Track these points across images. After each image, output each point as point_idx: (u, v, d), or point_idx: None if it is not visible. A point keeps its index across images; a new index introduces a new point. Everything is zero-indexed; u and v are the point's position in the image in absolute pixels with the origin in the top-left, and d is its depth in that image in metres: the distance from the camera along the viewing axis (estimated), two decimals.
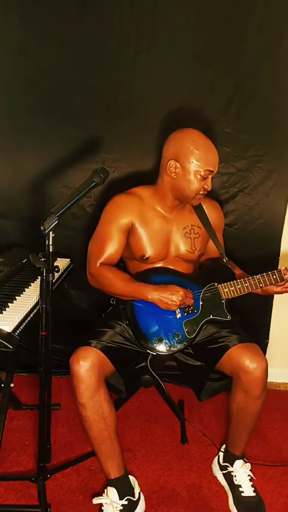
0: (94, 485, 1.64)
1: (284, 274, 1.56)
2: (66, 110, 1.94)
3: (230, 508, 1.56)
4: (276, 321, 2.19)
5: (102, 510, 1.49)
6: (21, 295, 1.55)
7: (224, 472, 1.65)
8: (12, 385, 1.69)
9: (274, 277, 1.56)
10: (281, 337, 2.22)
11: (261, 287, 1.58)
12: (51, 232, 1.23)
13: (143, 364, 1.65)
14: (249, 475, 1.61)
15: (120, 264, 1.72)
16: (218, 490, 1.64)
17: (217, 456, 1.73)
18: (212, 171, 1.54)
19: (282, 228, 2.06)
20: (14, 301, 1.49)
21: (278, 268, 1.58)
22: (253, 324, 1.94)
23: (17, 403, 1.99)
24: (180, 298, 1.51)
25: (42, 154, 1.99)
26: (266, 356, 1.56)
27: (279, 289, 1.59)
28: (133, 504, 1.50)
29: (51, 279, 1.27)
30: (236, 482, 1.59)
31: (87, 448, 1.75)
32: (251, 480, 1.60)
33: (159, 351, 1.56)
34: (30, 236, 2.06)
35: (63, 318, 2.12)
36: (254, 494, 1.57)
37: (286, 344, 2.24)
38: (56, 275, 1.34)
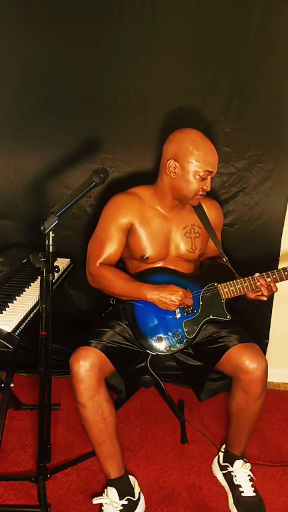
0: (94, 485, 1.64)
1: (257, 281, 1.54)
2: (66, 110, 1.94)
3: (230, 508, 1.56)
4: (276, 321, 2.19)
5: (102, 510, 1.49)
6: (21, 295, 1.55)
7: (224, 472, 1.65)
8: (12, 385, 1.69)
9: (274, 276, 1.56)
10: (281, 337, 2.22)
11: None
12: (51, 232, 1.23)
13: (143, 364, 1.65)
14: (249, 475, 1.61)
15: (120, 264, 1.72)
16: (218, 490, 1.64)
17: (217, 456, 1.73)
18: (211, 172, 1.54)
19: (282, 228, 2.06)
20: (14, 301, 1.49)
21: (278, 268, 1.58)
22: (253, 324, 1.94)
23: (17, 403, 1.99)
24: (179, 298, 1.51)
25: (42, 154, 1.99)
26: (266, 356, 1.56)
27: (253, 295, 1.58)
28: (133, 504, 1.50)
29: (51, 279, 1.27)
30: (236, 482, 1.59)
31: (87, 448, 1.75)
32: (251, 480, 1.60)
33: (159, 351, 1.56)
34: (30, 236, 2.06)
35: (63, 318, 2.12)
36: (254, 494, 1.57)
37: (286, 344, 2.24)
38: (56, 275, 1.33)
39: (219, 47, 1.84)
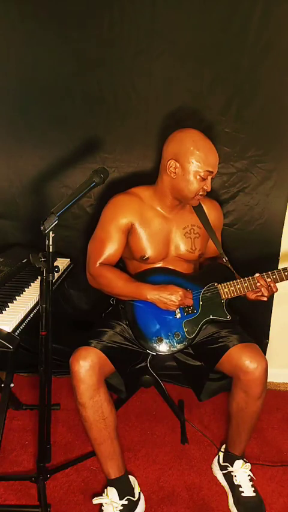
0: (94, 485, 1.64)
1: (257, 282, 1.54)
2: (67, 110, 1.94)
3: (230, 508, 1.56)
4: (276, 321, 2.19)
5: (102, 510, 1.50)
6: (21, 295, 1.55)
7: (224, 472, 1.65)
8: (12, 385, 1.69)
9: (274, 277, 1.56)
10: (281, 337, 2.22)
11: None
12: (51, 232, 1.23)
13: (143, 364, 1.65)
14: (249, 475, 1.61)
15: (120, 264, 1.72)
16: (218, 490, 1.64)
17: (217, 456, 1.73)
18: (212, 172, 1.54)
19: (282, 228, 2.06)
20: (14, 301, 1.49)
21: (278, 268, 1.58)
22: (253, 324, 1.94)
23: (17, 403, 1.99)
24: (179, 298, 1.51)
25: (42, 154, 1.99)
26: (266, 356, 1.56)
27: (253, 296, 1.57)
28: (133, 504, 1.50)
29: (51, 279, 1.27)
30: (236, 482, 1.59)
31: (87, 448, 1.75)
32: (251, 480, 1.60)
33: (159, 351, 1.56)
34: (30, 236, 2.06)
35: (63, 318, 2.13)
36: (254, 494, 1.57)
37: (286, 344, 2.24)
38: (56, 275, 1.34)
39: (219, 47, 1.84)
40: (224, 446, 1.71)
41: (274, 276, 1.55)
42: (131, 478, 1.57)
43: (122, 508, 1.47)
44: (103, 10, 1.80)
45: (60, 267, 1.83)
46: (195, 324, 1.59)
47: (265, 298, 1.56)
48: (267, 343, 2.19)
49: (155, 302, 1.53)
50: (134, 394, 1.94)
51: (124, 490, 1.51)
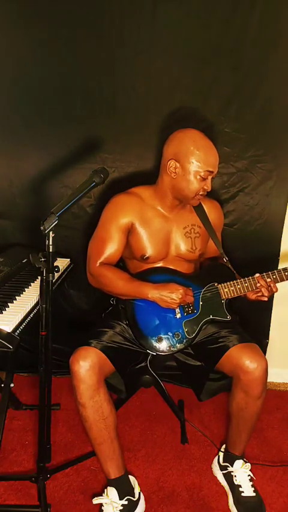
0: (94, 485, 1.64)
1: (257, 282, 1.54)
2: (66, 110, 1.94)
3: (230, 508, 1.56)
4: (276, 321, 2.19)
5: (102, 510, 1.50)
6: (21, 295, 1.55)
7: (224, 472, 1.65)
8: (12, 385, 1.69)
9: (274, 277, 1.56)
10: (281, 337, 2.22)
11: None
12: (51, 232, 1.23)
13: (143, 364, 1.65)
14: (249, 475, 1.61)
15: (120, 264, 1.72)
16: (218, 490, 1.64)
17: (217, 456, 1.73)
18: (212, 172, 1.54)
19: (282, 228, 2.06)
20: (14, 301, 1.49)
21: (278, 268, 1.58)
22: (253, 324, 1.94)
23: (17, 403, 1.99)
24: (180, 296, 1.51)
25: (42, 154, 1.99)
26: (266, 356, 1.56)
27: (254, 296, 1.57)
28: (133, 504, 1.50)
29: (51, 279, 1.27)
30: (236, 482, 1.59)
31: (87, 448, 1.75)
32: (251, 480, 1.60)
33: (159, 351, 1.56)
34: (30, 236, 2.06)
35: (63, 318, 2.13)
36: (254, 494, 1.57)
37: (286, 344, 2.24)
38: (56, 275, 1.34)
39: (219, 47, 1.84)
40: (224, 446, 1.71)
41: (274, 276, 1.55)
42: (131, 478, 1.57)
43: (122, 508, 1.47)
44: (103, 10, 1.80)
45: (60, 267, 1.83)
46: (195, 323, 1.59)
47: (265, 299, 1.56)
48: (267, 343, 2.19)
49: (156, 301, 1.53)
50: (134, 394, 1.94)
51: (124, 490, 1.51)
